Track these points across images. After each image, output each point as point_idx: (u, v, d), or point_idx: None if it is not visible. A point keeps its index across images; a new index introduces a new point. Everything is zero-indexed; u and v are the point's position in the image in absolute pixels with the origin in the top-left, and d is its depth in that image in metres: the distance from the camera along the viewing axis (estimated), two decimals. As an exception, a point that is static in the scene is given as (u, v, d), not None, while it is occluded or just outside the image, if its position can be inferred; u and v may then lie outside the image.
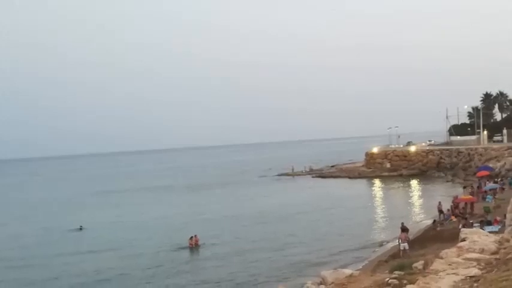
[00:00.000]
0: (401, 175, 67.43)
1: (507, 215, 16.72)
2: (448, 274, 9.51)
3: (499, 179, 46.52)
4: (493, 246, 11.18)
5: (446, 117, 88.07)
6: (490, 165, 54.13)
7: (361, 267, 22.53)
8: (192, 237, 30.95)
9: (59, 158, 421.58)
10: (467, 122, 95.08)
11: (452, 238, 18.10)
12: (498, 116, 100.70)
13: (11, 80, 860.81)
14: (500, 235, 13.64)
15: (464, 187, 44.44)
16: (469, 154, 65.07)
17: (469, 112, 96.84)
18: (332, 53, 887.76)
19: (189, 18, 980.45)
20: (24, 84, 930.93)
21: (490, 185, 40.58)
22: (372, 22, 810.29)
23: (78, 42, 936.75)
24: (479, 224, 24.79)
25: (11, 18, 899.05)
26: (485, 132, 75.89)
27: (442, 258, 11.16)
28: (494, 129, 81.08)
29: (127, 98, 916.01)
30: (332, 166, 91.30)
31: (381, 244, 29.37)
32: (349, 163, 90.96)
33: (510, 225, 14.69)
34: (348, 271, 17.01)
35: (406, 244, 23.69)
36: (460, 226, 24.35)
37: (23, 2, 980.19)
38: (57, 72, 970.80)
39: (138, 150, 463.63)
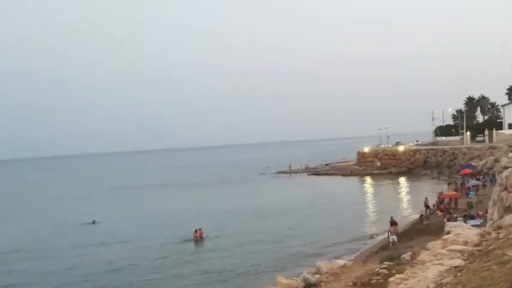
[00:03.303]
0: (390, 173, 67.42)
1: (488, 210, 16.80)
2: (433, 264, 9.57)
3: (481, 177, 46.51)
4: (476, 239, 11.24)
5: (432, 119, 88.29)
6: (473, 163, 54.09)
7: (353, 258, 22.62)
8: (196, 230, 31.01)
9: (59, 158, 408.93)
10: (452, 123, 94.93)
11: (438, 231, 18.17)
12: (480, 118, 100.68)
13: (11, 80, 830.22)
14: (482, 228, 13.73)
15: (449, 184, 44.64)
16: (453, 153, 65.16)
17: (453, 114, 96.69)
18: (330, 57, 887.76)
19: (190, 25, 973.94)
20: (24, 84, 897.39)
21: (473, 182, 40.63)
22: (366, 31, 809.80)
23: (79, 42, 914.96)
24: (462, 218, 24.86)
25: (11, 18, 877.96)
26: (468, 133, 75.83)
27: (428, 249, 11.23)
28: (476, 130, 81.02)
29: (127, 98, 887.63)
30: (326, 164, 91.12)
31: (371, 237, 29.46)
32: (342, 162, 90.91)
33: (491, 219, 14.75)
34: (341, 262, 17.11)
35: (395, 237, 23.80)
36: (445, 220, 24.41)
37: (23, 2, 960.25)
38: (57, 72, 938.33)
39: (138, 151, 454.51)
